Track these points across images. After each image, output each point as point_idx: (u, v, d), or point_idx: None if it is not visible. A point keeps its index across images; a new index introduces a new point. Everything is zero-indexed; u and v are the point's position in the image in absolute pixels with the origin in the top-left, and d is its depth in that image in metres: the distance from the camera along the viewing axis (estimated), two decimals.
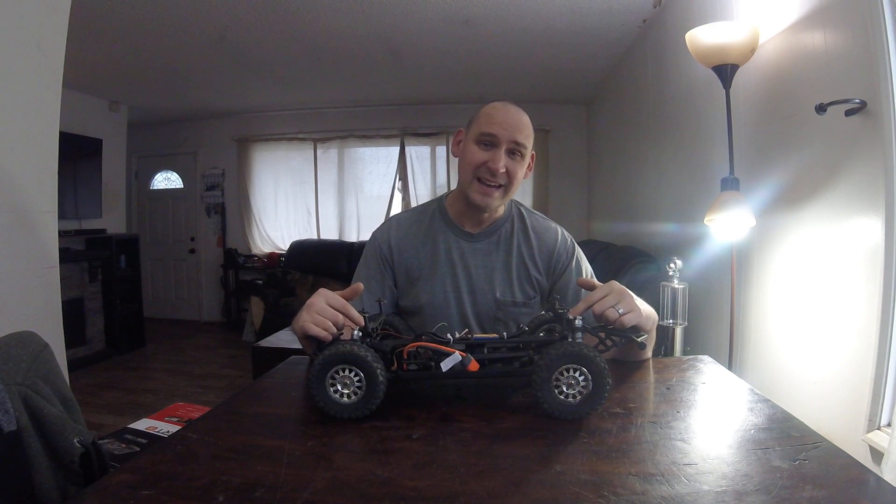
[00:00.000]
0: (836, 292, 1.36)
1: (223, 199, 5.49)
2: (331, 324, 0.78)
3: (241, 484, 0.56)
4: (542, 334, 0.84)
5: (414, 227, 1.17)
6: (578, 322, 0.75)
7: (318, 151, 5.24)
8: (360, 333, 0.77)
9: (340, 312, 0.80)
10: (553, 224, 1.19)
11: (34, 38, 1.62)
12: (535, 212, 1.22)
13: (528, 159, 1.09)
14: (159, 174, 5.73)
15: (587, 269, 1.16)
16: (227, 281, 5.38)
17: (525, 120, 1.06)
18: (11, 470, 0.70)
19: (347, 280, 1.17)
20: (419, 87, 4.30)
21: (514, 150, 1.05)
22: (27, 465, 0.71)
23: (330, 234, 5.27)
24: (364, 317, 0.80)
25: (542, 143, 4.89)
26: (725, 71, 1.64)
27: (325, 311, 0.80)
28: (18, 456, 0.70)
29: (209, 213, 5.54)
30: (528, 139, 1.06)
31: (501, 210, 1.16)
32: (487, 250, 1.15)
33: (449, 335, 0.78)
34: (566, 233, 1.19)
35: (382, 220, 4.83)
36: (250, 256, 5.36)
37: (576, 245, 1.18)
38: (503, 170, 1.04)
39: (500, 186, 1.06)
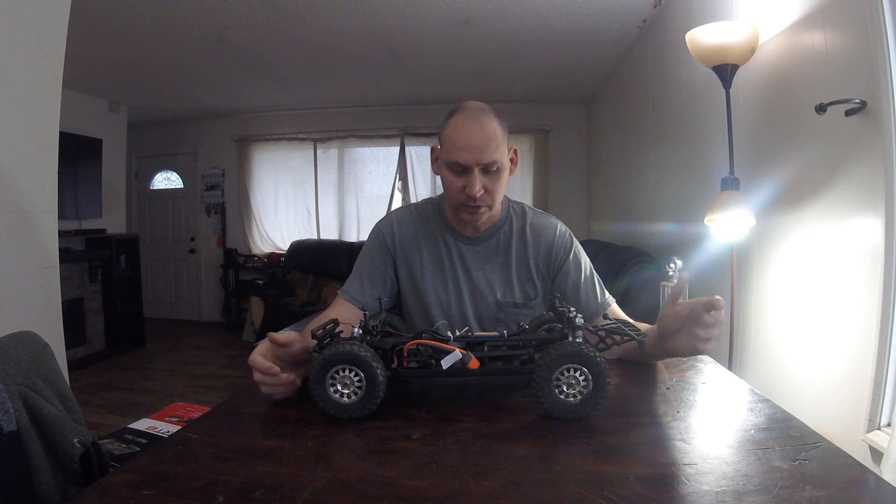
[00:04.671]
0: (836, 292, 1.36)
1: (223, 199, 5.49)
2: (270, 377, 0.77)
3: (241, 484, 0.56)
4: (543, 332, 0.84)
5: (415, 226, 1.17)
6: (579, 321, 0.75)
7: (318, 151, 5.24)
8: (361, 331, 0.77)
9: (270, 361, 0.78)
10: (552, 220, 1.18)
11: (34, 38, 1.62)
12: (537, 210, 1.20)
13: (506, 168, 1.04)
14: (159, 174, 5.73)
15: (586, 262, 1.15)
16: (227, 281, 5.38)
17: (490, 131, 0.99)
18: (11, 470, 0.70)
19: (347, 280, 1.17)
20: (419, 87, 4.30)
21: (487, 169, 1.01)
22: (27, 465, 0.71)
23: (330, 234, 5.27)
24: (364, 314, 0.80)
25: (542, 143, 4.90)
26: (725, 71, 1.64)
27: (257, 368, 0.78)
28: (18, 456, 0.70)
29: (209, 213, 5.54)
30: (496, 152, 1.00)
31: (499, 213, 1.15)
32: (487, 253, 1.14)
33: (449, 333, 0.78)
34: (564, 226, 1.17)
35: None
36: (250, 256, 5.36)
37: (574, 239, 1.16)
38: (480, 193, 1.00)
39: (484, 205, 1.04)
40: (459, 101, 1.06)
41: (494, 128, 1.00)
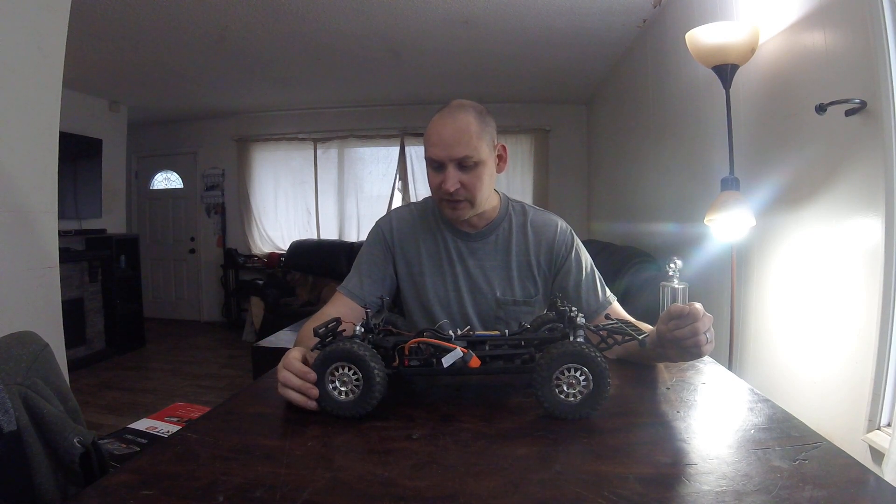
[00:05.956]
0: (836, 292, 1.36)
1: (223, 199, 5.49)
2: (302, 393, 0.75)
3: (241, 484, 0.56)
4: (544, 332, 0.84)
5: (414, 224, 1.18)
6: (580, 320, 0.75)
7: (318, 151, 5.24)
8: (363, 329, 0.77)
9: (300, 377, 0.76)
10: (553, 217, 1.18)
11: (34, 39, 1.62)
12: (538, 207, 1.20)
13: (486, 163, 1.02)
14: (159, 174, 5.73)
15: (587, 260, 1.15)
16: (227, 281, 5.38)
17: (461, 125, 0.99)
18: (11, 470, 0.69)
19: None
20: (419, 87, 4.30)
21: (462, 164, 1.00)
22: (27, 465, 0.71)
23: (330, 234, 5.27)
24: (366, 312, 0.80)
25: (542, 143, 4.89)
26: (725, 71, 1.64)
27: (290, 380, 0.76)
28: (18, 456, 0.70)
29: (209, 213, 5.54)
30: (469, 147, 0.99)
31: (496, 210, 1.15)
32: (486, 250, 1.14)
33: (450, 332, 0.78)
34: (565, 224, 1.17)
35: None
36: (250, 256, 5.36)
37: (575, 237, 1.16)
38: (454, 188, 1.01)
39: (463, 200, 1.04)
40: None
41: (468, 122, 1.00)
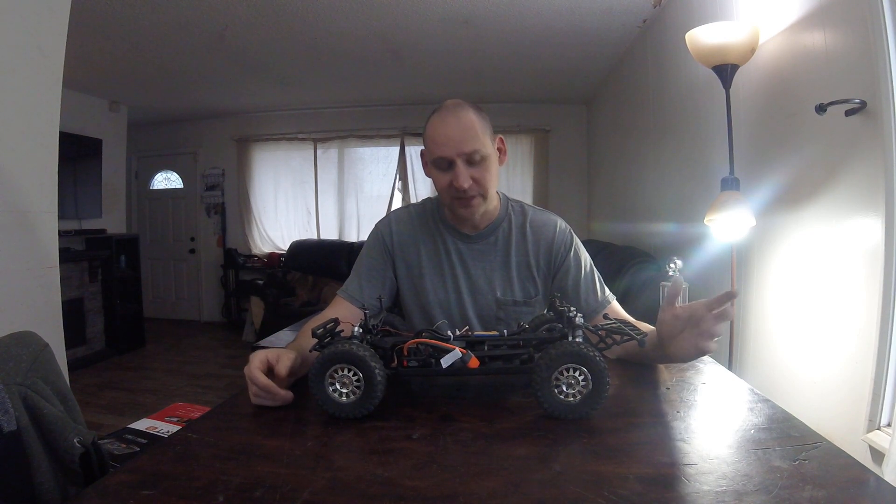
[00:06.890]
0: (836, 292, 1.36)
1: (223, 199, 5.49)
2: (265, 395, 0.77)
3: (241, 484, 0.56)
4: (543, 332, 0.84)
5: (413, 226, 1.17)
6: (579, 320, 0.75)
7: (318, 151, 5.24)
8: (361, 330, 0.77)
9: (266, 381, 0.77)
10: (552, 217, 1.18)
11: (34, 39, 1.62)
12: (537, 207, 1.20)
13: (491, 156, 1.04)
14: (159, 174, 5.73)
15: (586, 259, 1.15)
16: (227, 281, 5.38)
17: (466, 122, 1.01)
18: (11, 470, 0.69)
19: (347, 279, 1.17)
20: (419, 87, 4.30)
21: (471, 159, 1.01)
22: (27, 465, 0.71)
23: (330, 234, 5.27)
24: (364, 313, 0.80)
25: (542, 143, 4.89)
26: (725, 71, 1.64)
27: (257, 383, 0.77)
28: (18, 456, 0.70)
29: (209, 213, 5.54)
30: (477, 142, 1.00)
31: (497, 210, 1.15)
32: (486, 251, 1.14)
33: (449, 332, 0.78)
34: (564, 223, 1.17)
35: None
36: (250, 256, 5.36)
37: (574, 236, 1.16)
38: (468, 184, 1.01)
39: (476, 195, 1.04)
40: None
41: (471, 119, 1.01)
